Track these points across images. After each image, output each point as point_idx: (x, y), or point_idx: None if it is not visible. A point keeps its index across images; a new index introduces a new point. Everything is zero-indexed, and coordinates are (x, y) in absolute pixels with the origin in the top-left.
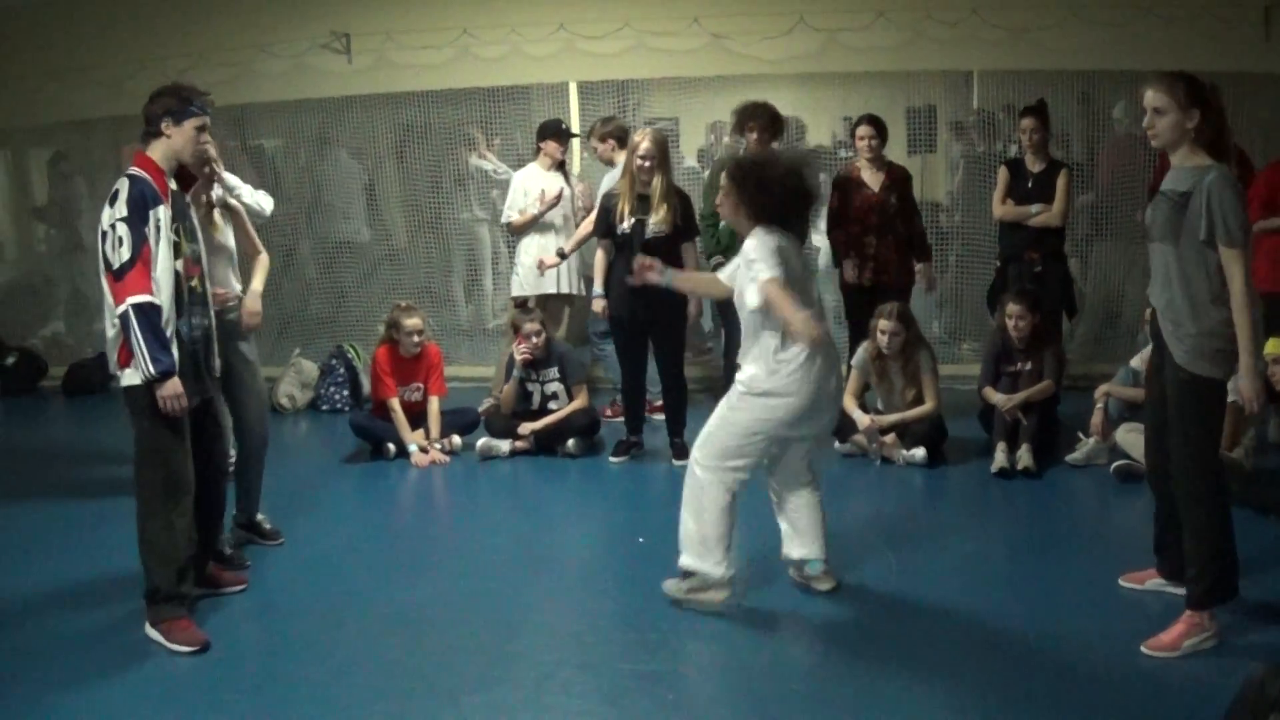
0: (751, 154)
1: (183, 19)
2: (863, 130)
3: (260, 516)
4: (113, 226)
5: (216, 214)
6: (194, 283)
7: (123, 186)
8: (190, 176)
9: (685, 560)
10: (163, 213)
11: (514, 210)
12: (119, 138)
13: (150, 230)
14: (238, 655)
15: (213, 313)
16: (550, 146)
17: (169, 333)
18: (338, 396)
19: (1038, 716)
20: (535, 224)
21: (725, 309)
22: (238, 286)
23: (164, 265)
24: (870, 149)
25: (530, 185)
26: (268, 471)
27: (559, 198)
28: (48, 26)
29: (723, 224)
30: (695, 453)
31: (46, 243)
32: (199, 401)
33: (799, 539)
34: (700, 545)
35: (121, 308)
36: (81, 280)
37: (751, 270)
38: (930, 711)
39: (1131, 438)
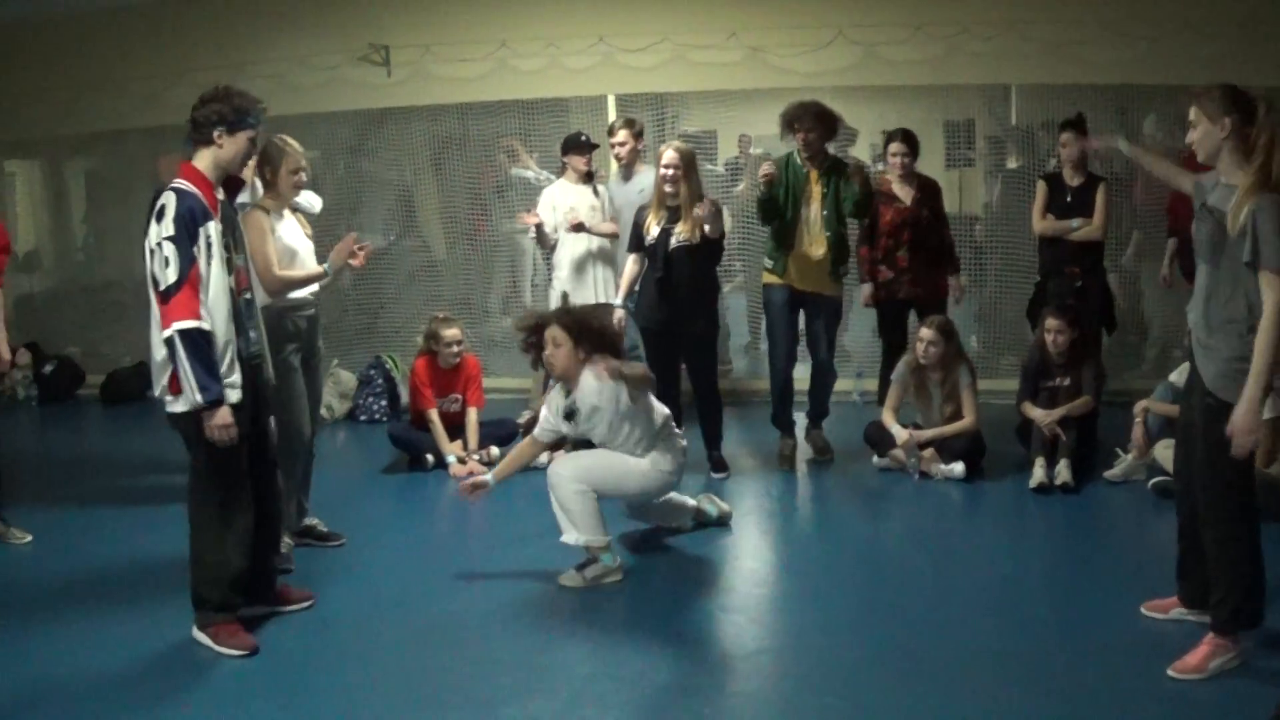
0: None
1: (221, 31)
2: (895, 147)
3: (314, 520)
4: (160, 245)
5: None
6: (247, 295)
7: (169, 202)
8: (236, 183)
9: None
10: (213, 228)
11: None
12: (156, 148)
13: (200, 248)
14: (273, 664)
15: (262, 324)
16: (574, 160)
17: (229, 354)
18: (376, 407)
19: None
20: (548, 235)
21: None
22: (311, 286)
23: (217, 284)
24: (902, 165)
25: (559, 200)
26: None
27: (579, 227)
28: (85, 37)
29: (775, 225)
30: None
31: (84, 251)
32: (249, 427)
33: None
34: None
35: (167, 332)
36: (120, 290)
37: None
38: None
39: (1169, 454)
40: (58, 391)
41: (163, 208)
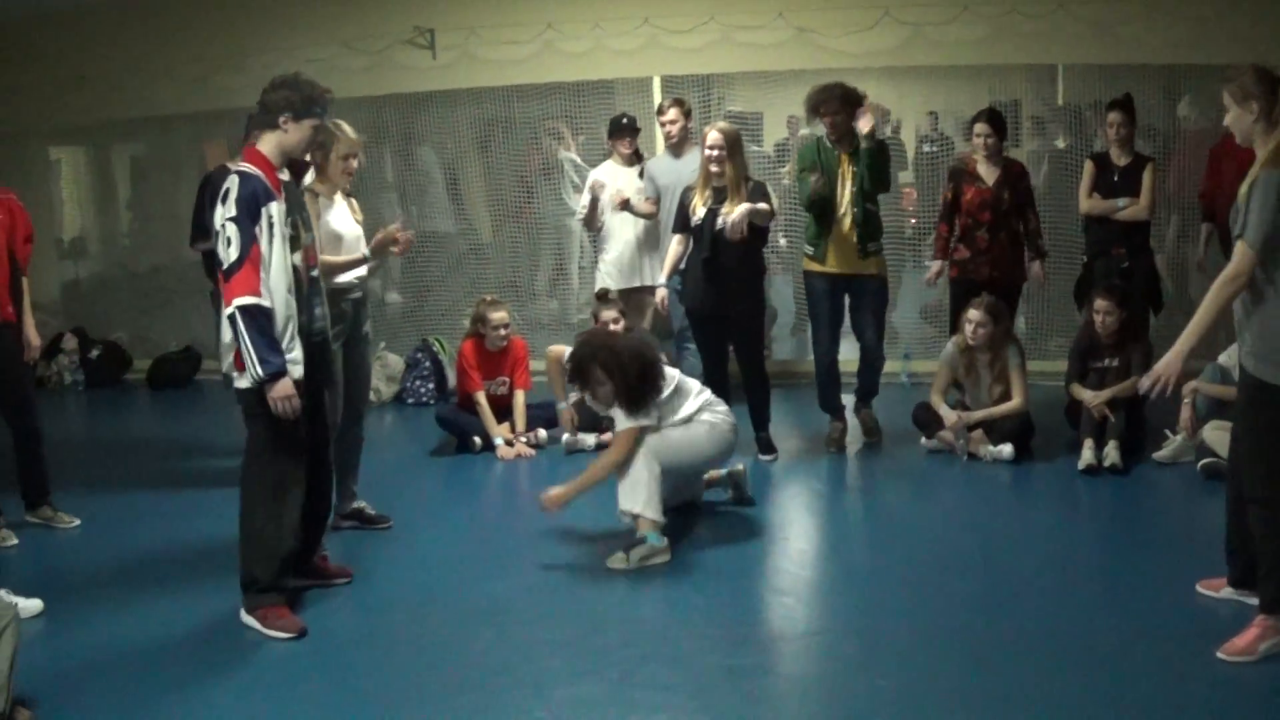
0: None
1: (266, 15)
2: (979, 127)
3: (362, 503)
4: (223, 226)
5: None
6: (315, 273)
7: (233, 184)
8: (301, 165)
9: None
10: (275, 209)
11: (585, 206)
12: (201, 134)
13: (262, 228)
14: (324, 645)
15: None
16: (619, 144)
17: (290, 330)
18: (423, 390)
19: (1112, 715)
20: (595, 212)
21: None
22: (358, 270)
23: (278, 263)
24: (986, 146)
25: (604, 181)
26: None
27: (626, 204)
28: (130, 23)
29: (812, 179)
30: None
31: (130, 237)
32: (309, 402)
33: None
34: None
35: (229, 309)
36: (166, 275)
37: None
38: (1011, 708)
39: (1218, 435)
40: (104, 376)
41: (227, 191)
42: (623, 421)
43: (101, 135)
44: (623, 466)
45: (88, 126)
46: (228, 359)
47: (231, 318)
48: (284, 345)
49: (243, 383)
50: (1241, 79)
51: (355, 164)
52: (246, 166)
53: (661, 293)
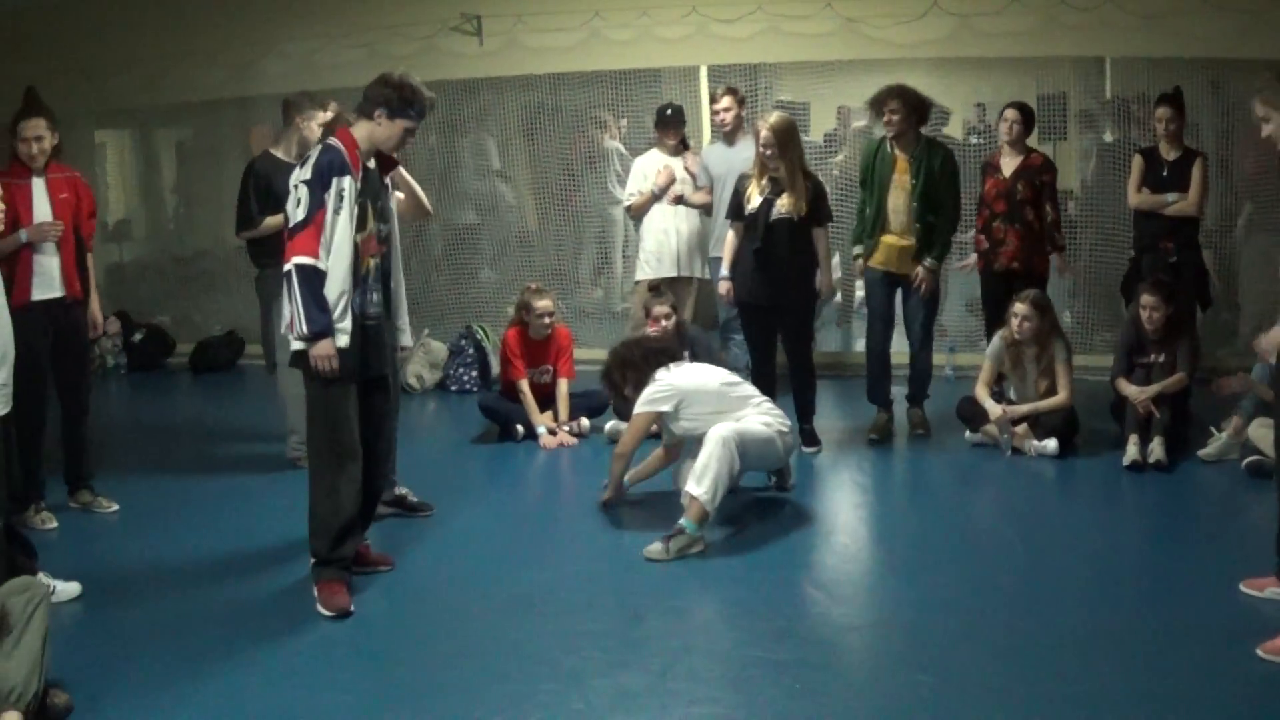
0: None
1: (312, 1)
2: (1009, 113)
3: (404, 490)
4: (296, 186)
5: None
6: (375, 260)
7: (315, 153)
8: (390, 161)
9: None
10: (348, 183)
11: (633, 196)
12: (247, 119)
13: (331, 197)
14: (361, 632)
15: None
16: (664, 134)
17: (342, 303)
18: (466, 377)
19: (1153, 717)
20: (651, 204)
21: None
22: None
23: (342, 234)
24: (1011, 132)
25: (649, 169)
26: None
27: (671, 178)
28: (177, 8)
29: (867, 211)
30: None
31: (175, 221)
32: (375, 374)
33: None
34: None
35: (286, 266)
36: (210, 260)
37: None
38: (1051, 706)
39: (1263, 433)
40: (147, 360)
41: (308, 157)
42: (639, 404)
43: (147, 119)
44: (709, 447)
45: (133, 110)
46: (285, 323)
47: (287, 275)
48: (335, 315)
49: (296, 344)
50: (1275, 85)
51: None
52: (333, 140)
53: (725, 284)
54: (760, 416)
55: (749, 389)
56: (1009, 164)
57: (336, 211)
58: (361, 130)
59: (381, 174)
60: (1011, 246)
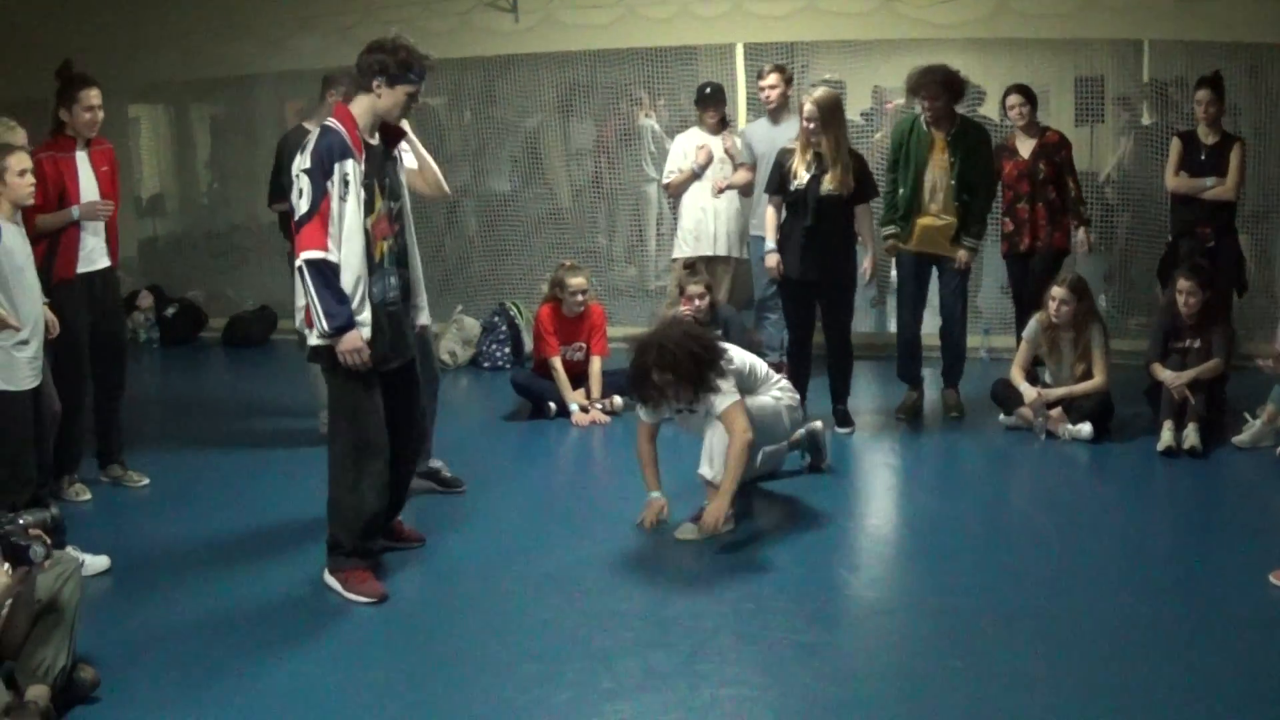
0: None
1: None
2: (1011, 99)
3: (438, 463)
4: (297, 176)
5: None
6: (389, 242)
7: (312, 137)
8: (397, 132)
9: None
10: (351, 166)
11: (672, 173)
12: (281, 94)
13: (335, 184)
14: (392, 611)
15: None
16: (704, 113)
17: (359, 292)
18: (499, 354)
19: (1182, 706)
20: (690, 184)
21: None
22: None
23: (351, 222)
24: (1021, 116)
25: (689, 147)
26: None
27: (710, 158)
28: None
29: (901, 191)
30: None
31: (209, 196)
32: (399, 364)
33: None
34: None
35: (297, 261)
36: (243, 234)
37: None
38: (1080, 693)
39: None
40: (179, 334)
41: (306, 143)
42: (720, 400)
43: (181, 94)
44: (717, 433)
45: (167, 85)
46: (300, 316)
47: (299, 271)
48: (354, 305)
49: (313, 339)
50: None
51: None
52: (331, 122)
53: (773, 258)
54: (771, 390)
55: (767, 369)
56: (1025, 145)
57: (342, 198)
58: (360, 105)
59: (389, 147)
60: (1035, 225)
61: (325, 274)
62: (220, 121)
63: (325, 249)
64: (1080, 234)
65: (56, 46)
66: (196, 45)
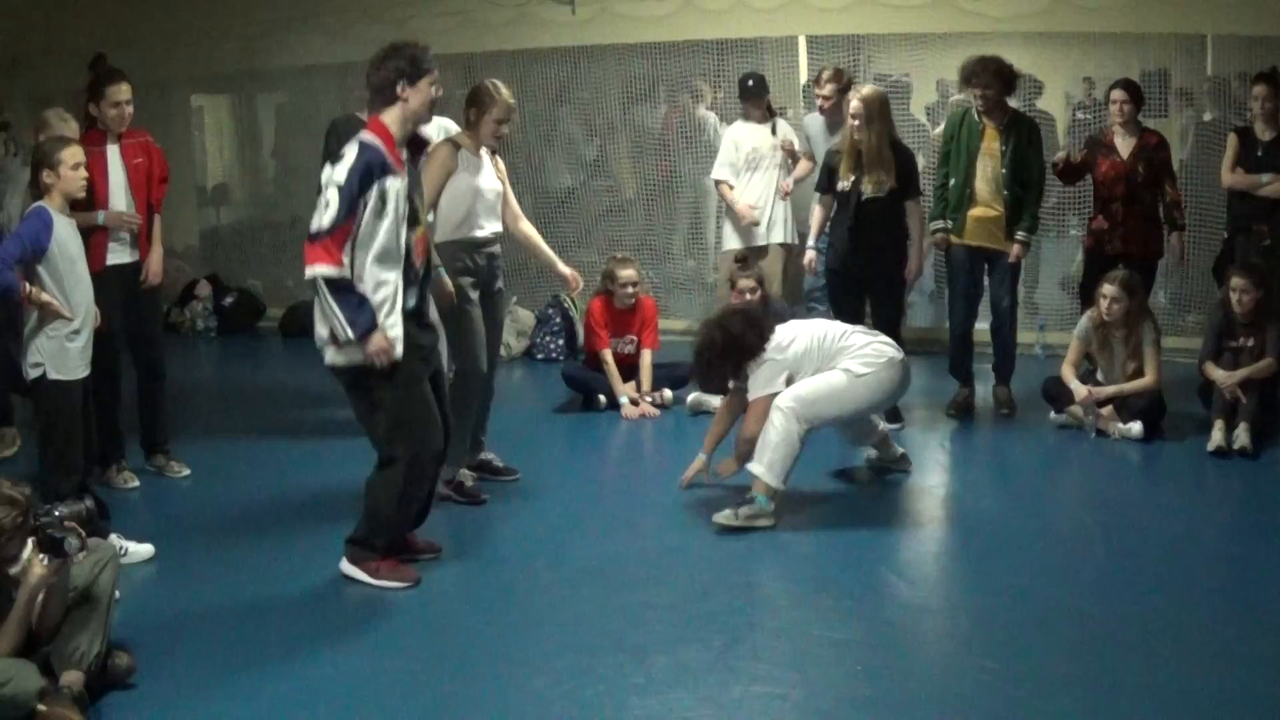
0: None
1: None
2: (1116, 94)
3: (490, 455)
4: (326, 187)
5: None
6: (417, 265)
7: (350, 152)
8: (421, 142)
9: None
10: (391, 184)
11: (724, 166)
12: (344, 84)
13: (369, 201)
14: (428, 601)
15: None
16: (749, 106)
17: (396, 304)
18: (553, 346)
19: (1221, 714)
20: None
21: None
22: (495, 226)
23: (388, 237)
24: (1122, 113)
25: (741, 139)
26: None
27: (756, 221)
28: None
29: (953, 182)
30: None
31: (273, 185)
32: (428, 372)
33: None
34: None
35: (308, 273)
36: (305, 226)
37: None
38: (1119, 699)
39: None
40: (237, 323)
41: (343, 155)
42: (754, 389)
43: (244, 84)
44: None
45: (231, 75)
46: (321, 332)
47: (314, 283)
48: (384, 319)
49: (337, 359)
50: None
51: (506, 130)
52: (369, 136)
53: (810, 254)
54: (846, 360)
55: (852, 338)
56: (1125, 145)
57: (379, 215)
58: (392, 115)
59: (413, 158)
60: (1130, 229)
61: (339, 287)
62: (283, 112)
63: (339, 264)
64: (1173, 239)
65: (119, 38)
66: (260, 35)
